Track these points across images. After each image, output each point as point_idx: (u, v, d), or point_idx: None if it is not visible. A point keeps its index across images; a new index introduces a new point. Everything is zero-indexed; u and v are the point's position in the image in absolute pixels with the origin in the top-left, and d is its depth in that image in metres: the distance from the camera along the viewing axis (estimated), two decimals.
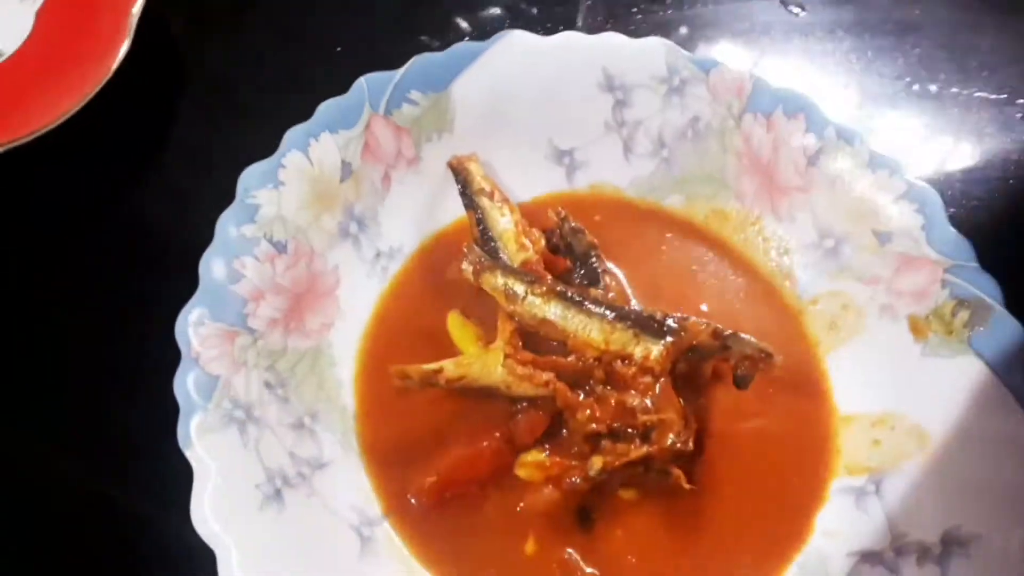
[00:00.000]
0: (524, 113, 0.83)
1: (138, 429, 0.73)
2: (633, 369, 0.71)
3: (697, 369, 0.74)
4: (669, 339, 0.72)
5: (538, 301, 0.74)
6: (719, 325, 0.71)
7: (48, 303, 0.82)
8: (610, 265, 0.81)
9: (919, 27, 0.98)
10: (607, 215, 0.84)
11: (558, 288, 0.74)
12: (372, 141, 0.79)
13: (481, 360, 0.72)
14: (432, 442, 0.73)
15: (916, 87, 0.95)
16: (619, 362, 0.71)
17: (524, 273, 0.75)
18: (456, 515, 0.71)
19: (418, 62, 0.80)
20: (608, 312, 0.73)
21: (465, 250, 0.76)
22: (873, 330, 0.76)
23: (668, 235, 0.83)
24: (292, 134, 0.76)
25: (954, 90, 0.95)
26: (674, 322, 0.72)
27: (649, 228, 0.84)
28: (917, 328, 0.74)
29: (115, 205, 0.86)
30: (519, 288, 0.74)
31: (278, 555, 0.64)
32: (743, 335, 0.71)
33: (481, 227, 0.78)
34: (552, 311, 0.73)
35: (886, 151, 0.77)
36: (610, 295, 0.76)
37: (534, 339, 0.75)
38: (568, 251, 0.80)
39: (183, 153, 0.89)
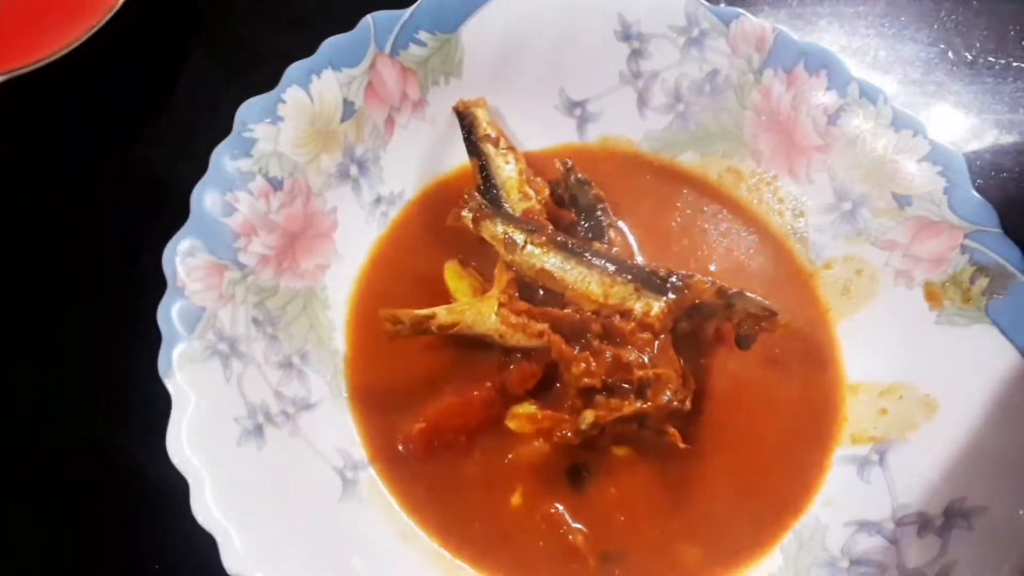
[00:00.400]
0: (536, 60, 0.80)
1: (126, 365, 0.72)
2: (632, 325, 0.69)
3: (699, 329, 0.72)
4: (672, 296, 0.70)
5: (537, 251, 0.72)
6: (724, 284, 0.69)
7: (48, 233, 0.82)
8: (618, 221, 0.78)
9: None
10: (618, 170, 0.81)
11: (558, 238, 0.72)
12: (376, 81, 0.77)
13: (475, 308, 0.70)
14: (423, 390, 0.71)
15: (951, 54, 0.91)
16: (618, 317, 0.69)
17: (525, 222, 0.73)
18: (443, 464, 0.69)
19: (428, 1, 0.77)
20: (609, 265, 0.71)
21: (466, 197, 0.74)
22: (887, 297, 0.73)
23: (681, 192, 0.81)
24: (293, 69, 0.74)
25: (990, 59, 0.91)
26: (678, 279, 0.70)
27: (661, 185, 0.81)
28: (933, 296, 0.71)
29: (117, 139, 0.85)
30: (518, 237, 0.72)
31: (254, 489, 0.63)
32: (748, 293, 0.69)
33: (484, 174, 0.76)
34: (551, 261, 0.71)
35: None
36: (614, 250, 0.74)
37: (532, 292, 0.73)
38: (573, 203, 0.77)
39: (188, 90, 0.88)
